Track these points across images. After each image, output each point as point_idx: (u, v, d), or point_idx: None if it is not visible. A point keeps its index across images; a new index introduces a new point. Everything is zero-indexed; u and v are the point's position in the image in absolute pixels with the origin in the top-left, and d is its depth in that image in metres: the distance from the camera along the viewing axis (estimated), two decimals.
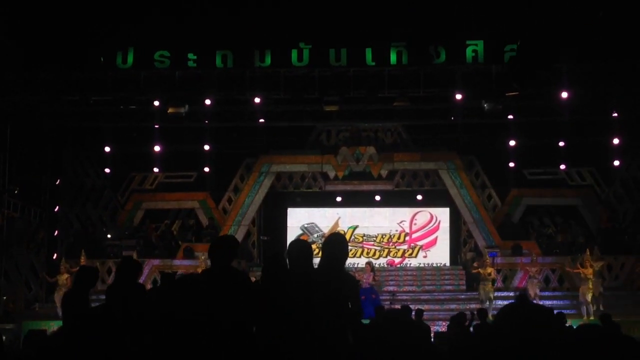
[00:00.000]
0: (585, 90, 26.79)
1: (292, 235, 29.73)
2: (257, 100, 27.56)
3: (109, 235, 30.02)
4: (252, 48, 27.33)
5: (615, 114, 28.12)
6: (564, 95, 26.75)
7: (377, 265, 29.02)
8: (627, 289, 28.41)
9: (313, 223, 31.25)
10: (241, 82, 27.48)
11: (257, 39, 27.59)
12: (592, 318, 24.52)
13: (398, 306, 22.02)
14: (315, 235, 30.66)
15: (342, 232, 29.66)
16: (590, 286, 25.97)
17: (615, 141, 28.85)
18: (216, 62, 27.18)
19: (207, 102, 27.73)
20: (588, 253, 26.82)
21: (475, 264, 28.19)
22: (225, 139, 30.53)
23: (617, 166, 30.10)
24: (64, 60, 27.19)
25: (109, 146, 30.24)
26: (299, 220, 31.40)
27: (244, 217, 30.42)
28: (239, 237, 29.54)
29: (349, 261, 26.75)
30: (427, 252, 31.06)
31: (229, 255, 8.41)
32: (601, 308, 24.89)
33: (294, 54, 27.13)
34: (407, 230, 31.29)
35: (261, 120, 29.81)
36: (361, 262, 28.34)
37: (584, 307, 25.87)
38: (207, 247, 8.64)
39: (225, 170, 31.25)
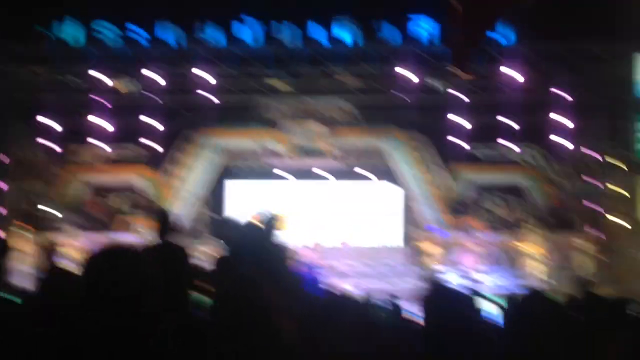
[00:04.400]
0: (534, 69, 26.94)
1: (236, 210, 29.46)
2: (204, 75, 27.30)
3: (50, 210, 29.51)
4: (200, 22, 27.02)
5: (564, 94, 28.36)
6: (513, 73, 26.87)
7: (323, 243, 28.85)
8: (569, 266, 28.57)
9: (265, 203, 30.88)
10: (189, 56, 27.21)
11: (206, 13, 27.30)
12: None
13: (348, 285, 21.94)
14: (266, 214, 30.25)
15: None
16: (535, 263, 26.12)
17: (563, 120, 29.02)
18: (163, 36, 26.86)
19: (154, 76, 27.43)
20: (532, 230, 26.96)
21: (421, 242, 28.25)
22: (170, 113, 30.16)
23: (563, 145, 30.23)
24: (7, 32, 26.68)
25: (52, 120, 29.72)
26: (243, 195, 31.08)
27: (187, 192, 30.06)
28: (182, 211, 29.25)
29: (293, 239, 26.66)
30: (375, 230, 30.96)
31: (166, 229, 8.26)
32: (545, 284, 25.05)
33: (242, 29, 26.88)
34: (355, 208, 31.15)
35: (208, 94, 29.53)
36: (306, 240, 28.08)
37: (530, 283, 25.98)
38: (148, 221, 8.49)
39: (170, 144, 30.83)
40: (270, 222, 8.08)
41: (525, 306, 6.08)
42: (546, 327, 5.51)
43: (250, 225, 8.00)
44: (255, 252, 7.37)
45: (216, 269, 7.46)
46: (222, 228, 8.10)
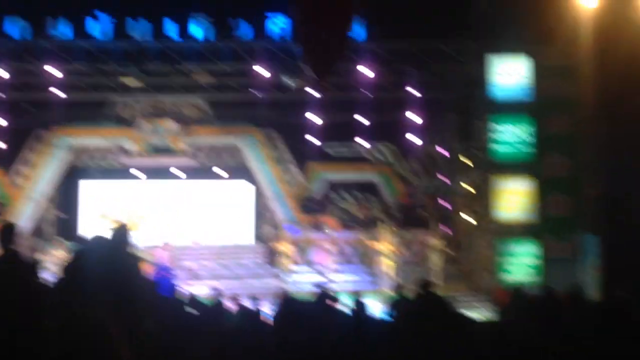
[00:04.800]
0: (387, 68, 27.33)
1: (88, 211, 28.95)
2: (53, 71, 26.66)
3: None
4: (47, 16, 26.39)
5: (416, 92, 28.80)
6: (366, 72, 27.19)
7: (177, 244, 28.52)
8: (420, 262, 29.07)
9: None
10: (36, 52, 26.53)
11: (54, 7, 26.64)
12: (390, 292, 24.96)
13: (201, 286, 21.83)
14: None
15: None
16: (387, 260, 26.53)
17: (414, 118, 29.47)
18: (11, 30, 26.11)
19: (1, 71, 26.63)
20: (384, 228, 27.38)
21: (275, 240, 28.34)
22: (19, 111, 29.25)
23: (415, 143, 30.73)
24: None
25: None
26: (95, 195, 30.52)
27: (37, 193, 29.25)
28: (32, 213, 28.54)
29: (147, 241, 26.29)
30: (229, 228, 30.90)
31: (10, 239, 8.00)
32: (398, 281, 25.39)
33: (93, 24, 26.38)
34: (209, 206, 31.00)
35: (57, 92, 28.77)
36: (160, 240, 27.66)
37: (383, 281, 26.34)
38: None
39: (19, 143, 29.87)
40: (121, 231, 7.91)
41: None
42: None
43: (100, 237, 7.81)
44: (104, 265, 7.23)
45: (62, 285, 7.27)
46: (74, 243, 7.90)
